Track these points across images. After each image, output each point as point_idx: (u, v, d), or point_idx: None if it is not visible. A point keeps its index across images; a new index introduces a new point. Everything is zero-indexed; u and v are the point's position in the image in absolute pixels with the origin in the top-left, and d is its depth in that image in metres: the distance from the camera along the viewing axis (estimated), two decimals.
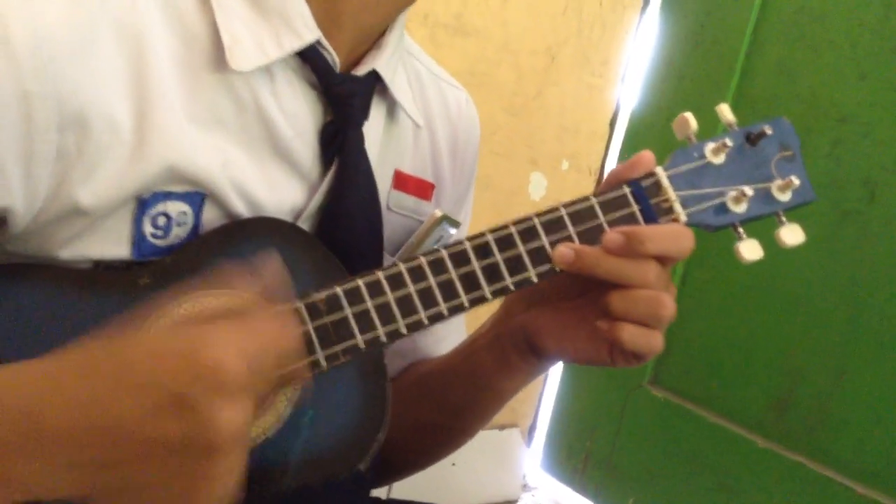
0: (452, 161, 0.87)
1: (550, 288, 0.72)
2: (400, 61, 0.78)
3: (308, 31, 0.67)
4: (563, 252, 0.65)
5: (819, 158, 1.62)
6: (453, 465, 1.88)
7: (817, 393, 1.60)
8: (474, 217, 0.95)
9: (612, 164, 2.01)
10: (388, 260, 0.78)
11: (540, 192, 1.91)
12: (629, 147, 1.97)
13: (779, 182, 0.70)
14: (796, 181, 0.69)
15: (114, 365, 0.49)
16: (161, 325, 0.50)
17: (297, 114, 0.69)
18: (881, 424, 1.52)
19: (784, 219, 0.71)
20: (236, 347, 0.48)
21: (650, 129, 1.92)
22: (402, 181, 0.80)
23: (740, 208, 0.69)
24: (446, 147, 0.86)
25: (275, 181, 0.69)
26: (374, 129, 0.75)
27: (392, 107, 0.78)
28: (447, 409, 0.83)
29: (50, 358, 0.50)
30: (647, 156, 0.69)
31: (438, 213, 0.77)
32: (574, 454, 2.03)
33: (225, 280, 0.54)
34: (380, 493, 0.94)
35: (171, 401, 0.47)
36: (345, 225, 0.71)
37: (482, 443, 2.01)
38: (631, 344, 0.64)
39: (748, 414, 1.72)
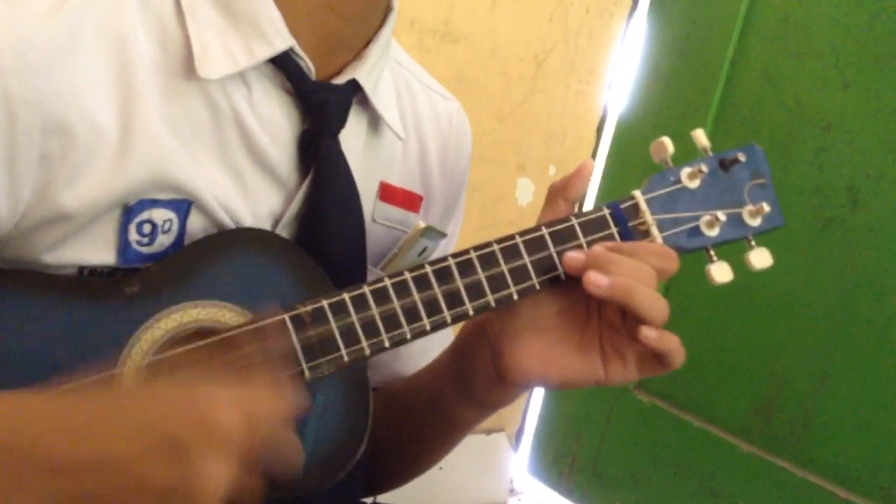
0: (442, 172, 0.87)
1: (526, 313, 0.71)
2: (385, 73, 0.77)
3: (279, 39, 0.67)
4: (574, 255, 0.67)
5: (803, 166, 1.63)
6: (440, 469, 1.87)
7: (801, 398, 1.62)
8: (462, 222, 0.95)
9: (598, 169, 2.01)
10: (372, 271, 0.78)
11: (527, 197, 1.92)
12: (616, 153, 1.98)
13: (750, 208, 0.72)
14: (767, 207, 0.71)
15: (116, 402, 0.50)
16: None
17: (274, 121, 0.69)
18: (863, 429, 1.53)
19: (753, 243, 0.72)
20: (241, 407, 0.49)
21: (637, 136, 1.93)
22: (388, 193, 0.80)
23: (713, 232, 0.71)
24: (436, 158, 0.86)
25: (252, 188, 0.69)
26: (354, 138, 0.75)
27: (374, 119, 0.77)
28: (406, 435, 0.83)
29: (49, 391, 0.51)
30: (588, 166, 0.71)
31: (422, 224, 0.78)
32: (561, 459, 2.03)
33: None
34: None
35: (165, 444, 0.47)
36: (323, 232, 0.71)
37: (469, 447, 2.01)
38: (643, 310, 0.65)
39: (733, 419, 1.73)
